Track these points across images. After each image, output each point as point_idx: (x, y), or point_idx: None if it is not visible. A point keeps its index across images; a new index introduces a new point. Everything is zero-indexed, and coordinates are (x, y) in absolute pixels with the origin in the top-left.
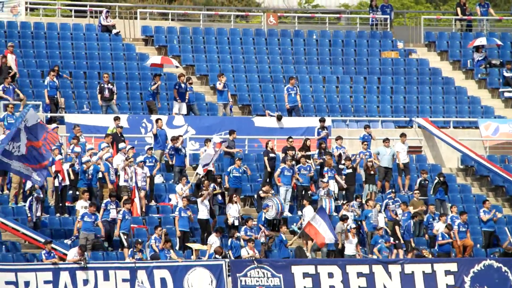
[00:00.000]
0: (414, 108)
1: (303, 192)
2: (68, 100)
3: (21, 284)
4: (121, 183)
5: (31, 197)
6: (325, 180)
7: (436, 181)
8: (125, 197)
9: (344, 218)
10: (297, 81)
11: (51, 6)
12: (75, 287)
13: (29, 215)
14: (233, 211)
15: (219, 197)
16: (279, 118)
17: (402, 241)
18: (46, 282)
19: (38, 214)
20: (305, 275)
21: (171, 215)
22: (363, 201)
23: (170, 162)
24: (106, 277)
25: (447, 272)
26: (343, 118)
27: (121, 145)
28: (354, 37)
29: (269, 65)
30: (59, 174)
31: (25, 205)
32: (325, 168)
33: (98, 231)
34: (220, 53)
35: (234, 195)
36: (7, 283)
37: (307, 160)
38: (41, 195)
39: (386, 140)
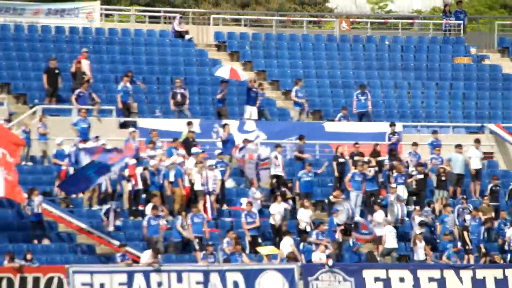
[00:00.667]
0: (486, 114)
1: (371, 197)
2: (140, 105)
3: (97, 286)
4: (197, 187)
5: (109, 206)
6: (393, 185)
7: (510, 187)
8: (200, 201)
9: (422, 224)
10: (369, 87)
11: (125, 12)
12: None
13: (104, 219)
14: (305, 216)
15: (290, 202)
16: None
17: (471, 247)
18: (121, 284)
19: (117, 223)
20: (377, 279)
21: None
22: (436, 207)
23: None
24: (180, 280)
25: None
26: (414, 124)
27: (193, 149)
28: (427, 42)
29: (341, 70)
30: (132, 178)
31: (100, 209)
32: (395, 174)
33: (168, 234)
34: (292, 59)
35: (306, 200)
36: (83, 284)
37: (367, 163)
38: (118, 209)
39: (458, 146)
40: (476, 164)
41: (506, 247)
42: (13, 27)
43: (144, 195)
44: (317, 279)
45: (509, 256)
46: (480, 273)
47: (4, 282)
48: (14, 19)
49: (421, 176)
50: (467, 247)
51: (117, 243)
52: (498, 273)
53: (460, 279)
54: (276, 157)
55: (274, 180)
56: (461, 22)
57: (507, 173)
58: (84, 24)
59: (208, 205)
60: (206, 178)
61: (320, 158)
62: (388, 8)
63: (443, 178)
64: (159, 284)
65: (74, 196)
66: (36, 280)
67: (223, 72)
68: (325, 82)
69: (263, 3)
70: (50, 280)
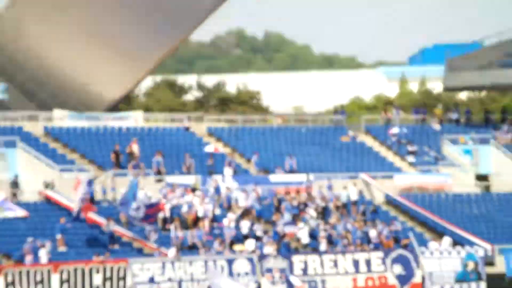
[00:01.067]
0: (359, 168)
1: None
2: (167, 168)
3: (146, 270)
4: (200, 214)
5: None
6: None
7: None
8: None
9: None
10: (294, 154)
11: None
12: None
13: (148, 234)
14: None
15: None
16: None
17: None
18: (157, 268)
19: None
20: None
21: None
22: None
23: None
24: (192, 265)
25: None
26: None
27: (196, 192)
28: (326, 130)
29: (278, 145)
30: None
31: (146, 228)
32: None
33: (184, 241)
34: (251, 141)
35: None
36: (139, 269)
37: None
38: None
39: (345, 188)
40: (354, 196)
41: None
42: (94, 129)
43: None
44: None
45: None
46: None
47: (94, 270)
48: (92, 123)
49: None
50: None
51: (155, 246)
52: None
53: None
54: None
55: None
56: (344, 117)
57: (370, 201)
58: (133, 124)
59: (206, 224)
60: (205, 210)
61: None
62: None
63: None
64: (180, 267)
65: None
66: (111, 268)
67: (210, 148)
68: (270, 152)
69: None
70: (119, 268)
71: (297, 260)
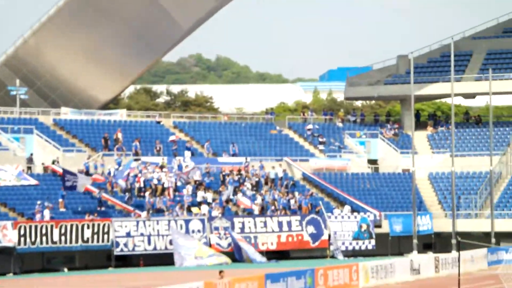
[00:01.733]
0: (284, 153)
1: None
2: (145, 151)
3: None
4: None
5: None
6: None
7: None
8: None
9: None
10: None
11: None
12: None
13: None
14: None
15: None
16: None
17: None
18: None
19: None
20: None
21: None
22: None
23: None
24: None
25: None
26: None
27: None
28: (265, 125)
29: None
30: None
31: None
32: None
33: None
34: (204, 132)
35: None
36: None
37: None
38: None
39: (273, 167)
40: (279, 174)
41: None
42: (90, 121)
43: None
44: None
45: None
46: None
47: (85, 226)
48: (89, 117)
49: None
50: None
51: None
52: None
53: None
54: None
55: None
56: (273, 116)
57: (291, 177)
58: (118, 118)
59: (171, 192)
60: (169, 182)
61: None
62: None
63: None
64: (150, 225)
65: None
66: (98, 225)
67: (173, 137)
68: (218, 140)
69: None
70: (104, 225)
71: (237, 221)
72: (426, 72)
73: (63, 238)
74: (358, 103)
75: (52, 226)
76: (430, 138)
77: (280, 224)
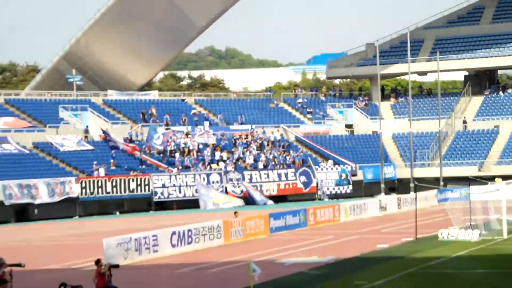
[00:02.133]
0: (279, 121)
1: None
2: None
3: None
4: None
5: None
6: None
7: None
8: None
9: None
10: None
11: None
12: None
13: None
14: None
15: None
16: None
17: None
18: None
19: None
20: None
21: None
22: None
23: None
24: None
25: None
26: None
27: None
28: (263, 101)
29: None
30: None
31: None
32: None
33: None
34: (219, 106)
35: None
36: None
37: None
38: None
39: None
40: (278, 137)
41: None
42: (130, 100)
43: None
44: None
45: None
46: None
47: (131, 180)
48: (129, 97)
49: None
50: None
51: (165, 166)
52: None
53: None
54: None
55: None
56: (271, 93)
57: (287, 140)
58: (152, 98)
59: (194, 153)
60: (193, 145)
61: None
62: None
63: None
64: (180, 178)
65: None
66: (140, 179)
67: (195, 111)
68: (229, 113)
69: (211, 89)
70: (145, 179)
71: (246, 174)
72: (389, 56)
73: (114, 189)
74: (337, 81)
75: (105, 180)
76: (393, 107)
77: (279, 175)
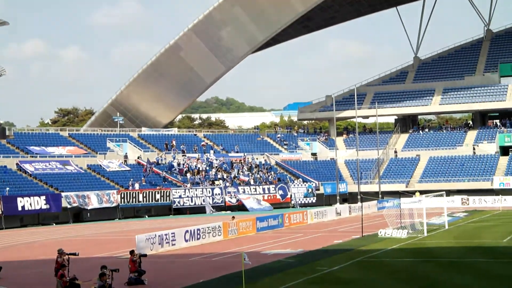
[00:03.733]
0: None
1: None
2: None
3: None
4: None
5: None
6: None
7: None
8: None
9: None
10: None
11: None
12: None
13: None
14: None
15: None
16: None
17: None
18: None
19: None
20: None
21: None
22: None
23: None
24: None
25: None
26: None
27: None
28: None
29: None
30: None
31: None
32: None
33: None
34: (221, 141)
35: None
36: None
37: None
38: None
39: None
40: (262, 161)
41: None
42: (157, 134)
43: None
44: None
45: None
46: None
47: (156, 193)
48: (156, 132)
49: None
50: None
51: (181, 181)
52: None
53: None
54: None
55: None
56: (258, 130)
57: (270, 164)
58: (173, 133)
59: (202, 173)
60: (201, 167)
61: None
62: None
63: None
64: (190, 192)
65: None
66: (164, 192)
67: (203, 143)
68: (228, 144)
69: (215, 127)
70: (167, 192)
71: (240, 188)
72: (342, 104)
73: (144, 199)
74: (305, 122)
75: (138, 193)
76: (345, 141)
77: (263, 189)
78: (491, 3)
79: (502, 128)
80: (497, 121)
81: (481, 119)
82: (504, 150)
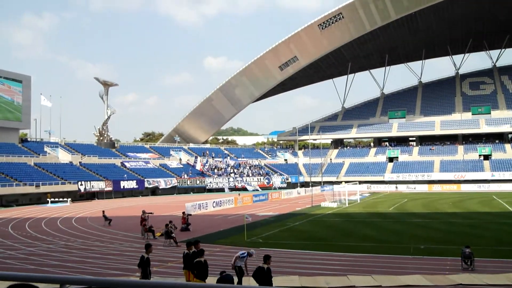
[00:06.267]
0: None
1: None
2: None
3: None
4: None
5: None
6: None
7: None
8: None
9: None
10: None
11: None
12: None
13: None
14: None
15: None
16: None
17: None
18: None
19: None
20: None
21: None
22: None
23: None
24: None
25: None
26: None
27: None
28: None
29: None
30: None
31: None
32: None
33: None
34: (231, 153)
35: None
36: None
37: None
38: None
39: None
40: (257, 163)
41: None
42: (199, 147)
43: None
44: None
45: None
46: None
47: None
48: (197, 146)
49: None
50: None
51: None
52: None
53: None
54: None
55: None
56: (254, 146)
57: (261, 166)
58: (207, 146)
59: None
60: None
61: None
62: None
63: None
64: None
65: None
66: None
67: (226, 155)
68: (238, 154)
69: (230, 144)
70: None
71: (244, 178)
72: (301, 132)
73: (191, 183)
74: (281, 142)
75: (188, 179)
76: (304, 153)
77: (258, 179)
78: (384, 77)
79: (389, 147)
80: (387, 143)
81: (378, 142)
82: (390, 159)
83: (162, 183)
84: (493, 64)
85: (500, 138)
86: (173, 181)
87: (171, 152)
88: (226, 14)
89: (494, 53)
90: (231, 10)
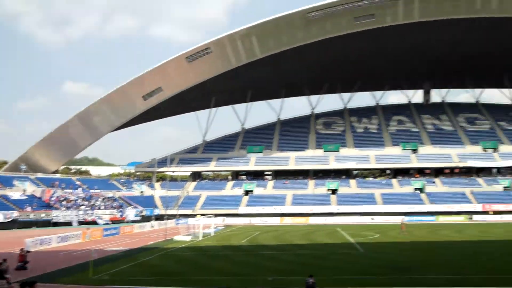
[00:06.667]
0: None
1: None
2: None
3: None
4: None
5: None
6: None
7: None
8: None
9: None
10: None
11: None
12: None
13: None
14: None
15: None
16: None
17: None
18: None
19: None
20: None
21: None
22: None
23: None
24: None
25: None
26: None
27: None
28: None
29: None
30: None
31: None
32: None
33: None
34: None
35: None
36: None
37: None
38: None
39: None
40: (111, 195)
41: None
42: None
43: None
44: None
45: None
46: None
47: None
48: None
49: None
50: None
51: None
52: None
53: None
54: None
55: None
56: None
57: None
58: (59, 176)
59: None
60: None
61: None
62: None
63: None
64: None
65: None
66: None
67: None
68: None
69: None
70: None
71: (95, 211)
72: (161, 164)
73: (34, 216)
74: (138, 173)
75: (31, 212)
76: (161, 185)
77: (110, 212)
78: (246, 112)
79: (247, 180)
80: (244, 176)
81: (236, 175)
82: (246, 193)
83: (0, 216)
84: (344, 105)
85: (346, 174)
86: (14, 214)
87: (15, 182)
88: (92, 37)
89: (346, 95)
90: (97, 34)
